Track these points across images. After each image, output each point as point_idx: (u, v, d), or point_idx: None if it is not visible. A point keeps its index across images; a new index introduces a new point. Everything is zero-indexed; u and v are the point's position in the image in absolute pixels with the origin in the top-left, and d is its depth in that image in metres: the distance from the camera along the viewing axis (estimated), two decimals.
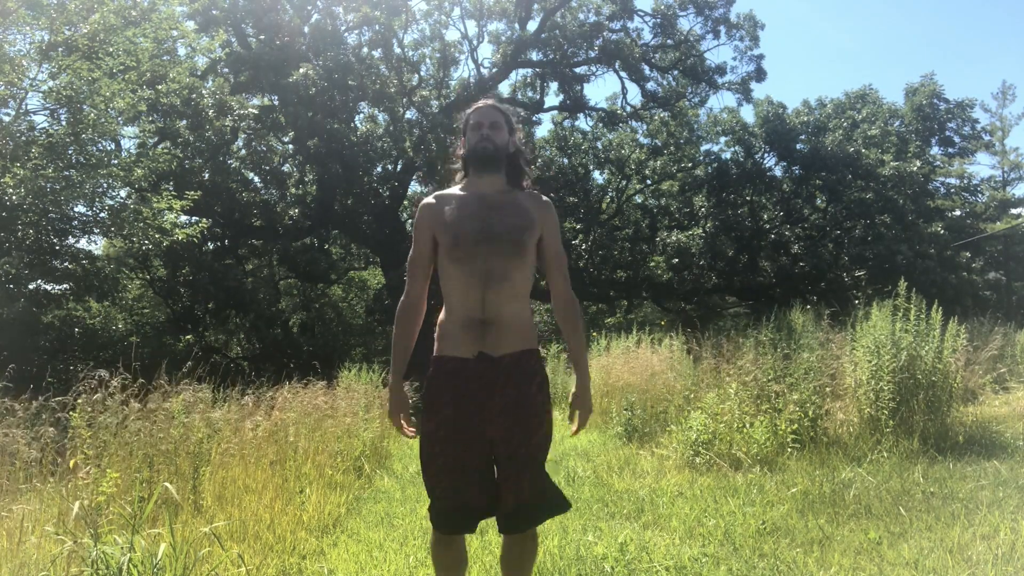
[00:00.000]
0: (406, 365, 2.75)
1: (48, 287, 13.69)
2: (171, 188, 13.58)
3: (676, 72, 23.31)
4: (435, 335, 2.69)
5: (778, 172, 24.39)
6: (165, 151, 13.63)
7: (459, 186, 2.79)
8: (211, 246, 21.96)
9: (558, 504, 2.67)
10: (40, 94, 11.38)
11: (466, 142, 2.77)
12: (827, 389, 6.52)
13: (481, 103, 2.83)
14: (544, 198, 2.77)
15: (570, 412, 2.78)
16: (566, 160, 24.60)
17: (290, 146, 20.44)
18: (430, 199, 2.76)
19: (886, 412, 5.85)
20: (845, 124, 23.72)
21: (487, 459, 2.57)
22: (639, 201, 26.93)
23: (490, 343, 2.57)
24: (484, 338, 2.57)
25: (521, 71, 22.82)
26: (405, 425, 2.73)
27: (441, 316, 2.69)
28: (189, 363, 5.58)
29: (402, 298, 2.75)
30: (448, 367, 2.60)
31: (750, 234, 22.97)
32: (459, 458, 2.54)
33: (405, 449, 9.02)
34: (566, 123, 24.91)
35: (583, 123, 25.39)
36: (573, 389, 2.77)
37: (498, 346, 2.57)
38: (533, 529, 2.69)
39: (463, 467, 2.54)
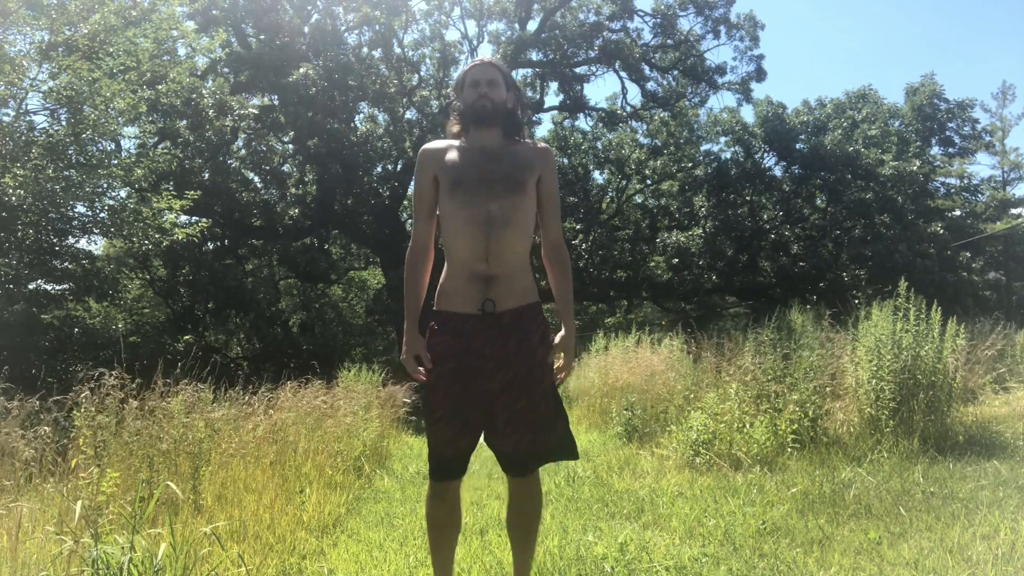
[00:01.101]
0: (419, 311, 2.77)
1: (48, 287, 13.69)
2: (171, 188, 13.58)
3: (676, 72, 23.32)
4: (437, 289, 2.72)
5: (778, 172, 24.42)
6: (165, 151, 13.64)
7: (456, 141, 2.79)
8: (211, 246, 21.99)
9: (568, 451, 2.72)
10: (40, 94, 11.39)
11: (464, 99, 2.77)
12: (827, 389, 6.52)
13: (478, 60, 2.83)
14: (542, 144, 2.80)
15: (554, 356, 2.79)
16: (566, 160, 24.60)
17: (290, 146, 20.46)
18: (431, 144, 2.79)
19: (886, 412, 5.85)
20: (845, 124, 23.73)
21: (488, 409, 2.61)
22: (639, 201, 26.94)
23: (493, 298, 2.60)
24: (487, 294, 2.60)
25: (521, 71, 22.84)
26: (421, 369, 2.74)
27: (443, 274, 2.71)
28: (182, 362, 5.56)
29: (409, 244, 2.78)
30: (450, 323, 2.64)
31: (750, 234, 22.98)
32: (459, 410, 2.59)
33: (405, 449, 9.03)
34: (566, 123, 24.94)
35: (583, 123, 25.44)
36: (561, 333, 2.78)
37: (501, 302, 2.60)
38: (536, 479, 2.75)
39: (461, 418, 2.60)
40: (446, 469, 2.68)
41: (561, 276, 2.81)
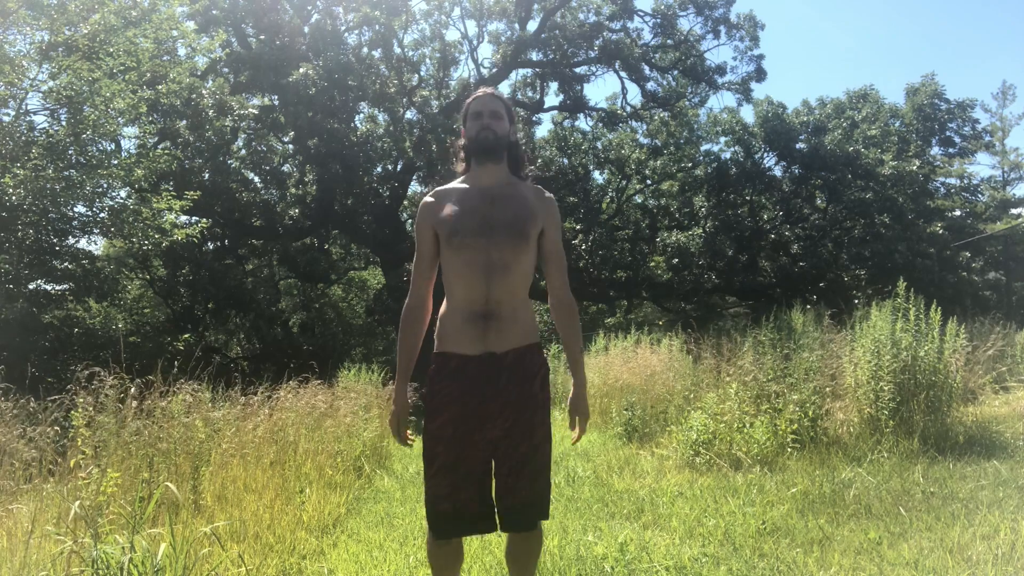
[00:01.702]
0: (411, 369, 2.72)
1: (48, 287, 13.70)
2: (171, 188, 13.58)
3: (676, 72, 23.31)
4: (435, 331, 2.66)
5: (778, 172, 24.39)
6: (165, 151, 13.63)
7: (460, 179, 2.75)
8: (211, 246, 21.99)
9: (544, 510, 2.64)
10: (40, 94, 11.38)
11: (466, 132, 2.73)
12: (827, 389, 6.52)
13: (480, 92, 2.78)
14: (547, 194, 2.75)
15: (570, 419, 2.77)
16: (566, 160, 24.59)
17: (290, 146, 20.45)
18: (430, 197, 2.73)
19: (886, 412, 5.85)
20: (845, 124, 23.72)
21: (488, 460, 2.55)
22: (639, 201, 26.92)
23: (492, 339, 2.54)
24: (487, 334, 2.54)
25: (521, 71, 22.85)
26: (404, 434, 2.71)
27: (442, 310, 2.66)
28: (180, 361, 5.55)
29: (406, 300, 2.72)
30: (451, 365, 2.57)
31: (750, 234, 22.96)
32: (461, 458, 2.52)
33: (405, 449, 9.02)
34: (566, 123, 24.91)
35: (583, 123, 25.42)
36: (570, 394, 2.75)
37: (501, 342, 2.55)
38: (538, 527, 2.67)
39: (463, 468, 2.52)
40: (448, 526, 2.57)
41: (571, 333, 2.74)
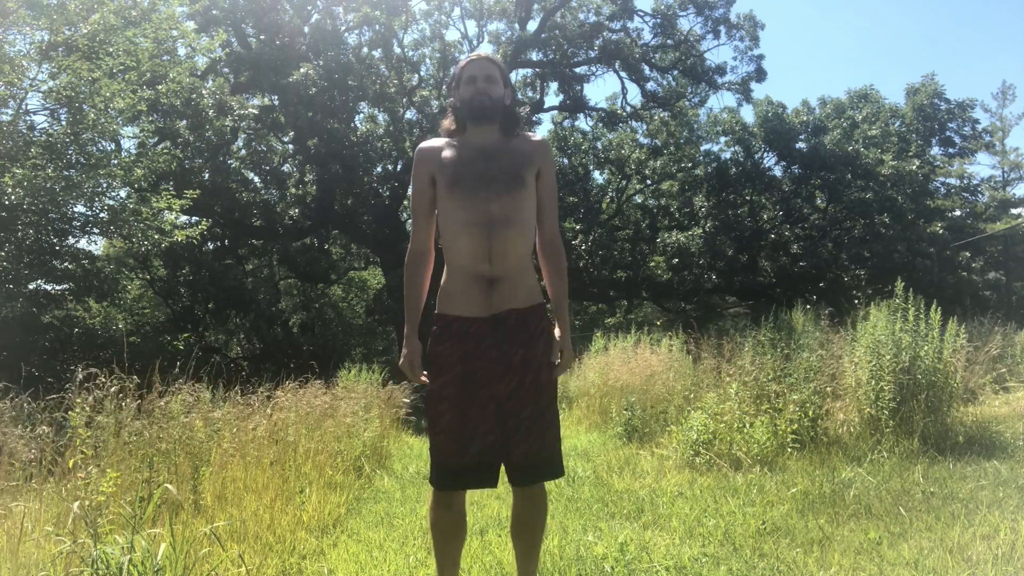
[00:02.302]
0: (419, 316, 2.71)
1: (48, 287, 13.70)
2: (171, 188, 13.59)
3: (676, 72, 23.31)
4: (439, 292, 2.65)
5: (778, 172, 24.42)
6: (165, 151, 13.63)
7: (453, 139, 2.72)
8: (211, 246, 22.00)
9: (557, 467, 2.66)
10: (40, 94, 11.39)
11: (460, 95, 2.69)
12: (827, 389, 6.52)
13: (474, 55, 2.74)
14: (539, 137, 2.74)
15: (552, 353, 2.72)
16: (566, 160, 24.60)
17: (290, 146, 20.46)
18: (427, 142, 2.72)
19: (886, 412, 5.85)
20: (845, 124, 23.74)
21: (494, 417, 2.54)
22: (639, 201, 26.94)
23: (496, 301, 2.54)
24: (490, 296, 2.54)
25: (521, 71, 22.84)
26: (419, 373, 2.68)
27: (444, 273, 2.65)
28: (180, 361, 5.55)
29: (409, 247, 2.71)
30: (454, 327, 2.57)
31: (750, 234, 22.97)
32: (465, 417, 2.52)
33: (405, 449, 9.02)
34: (566, 123, 24.93)
35: (583, 123, 25.43)
36: (556, 332, 2.72)
37: (504, 303, 2.55)
38: (542, 487, 2.68)
39: (469, 426, 2.52)
40: (455, 479, 2.58)
41: (556, 273, 2.74)
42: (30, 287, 12.96)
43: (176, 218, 13.01)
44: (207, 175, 17.77)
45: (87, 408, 4.10)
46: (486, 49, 23.19)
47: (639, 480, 5.72)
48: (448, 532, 2.69)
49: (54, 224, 11.82)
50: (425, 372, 2.68)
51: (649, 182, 25.93)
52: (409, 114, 20.46)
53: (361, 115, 21.29)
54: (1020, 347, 10.17)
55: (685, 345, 9.71)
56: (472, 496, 5.41)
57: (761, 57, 22.88)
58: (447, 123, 2.77)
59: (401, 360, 2.70)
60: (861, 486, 4.73)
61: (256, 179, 21.03)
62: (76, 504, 3.06)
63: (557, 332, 2.73)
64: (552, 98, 24.68)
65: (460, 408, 2.52)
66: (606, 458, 6.73)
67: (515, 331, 2.55)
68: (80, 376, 4.20)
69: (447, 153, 2.64)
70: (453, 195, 2.55)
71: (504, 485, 2.77)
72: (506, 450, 2.57)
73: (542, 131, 26.44)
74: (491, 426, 2.55)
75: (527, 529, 2.73)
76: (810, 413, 6.03)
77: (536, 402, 2.56)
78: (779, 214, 23.91)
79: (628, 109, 23.65)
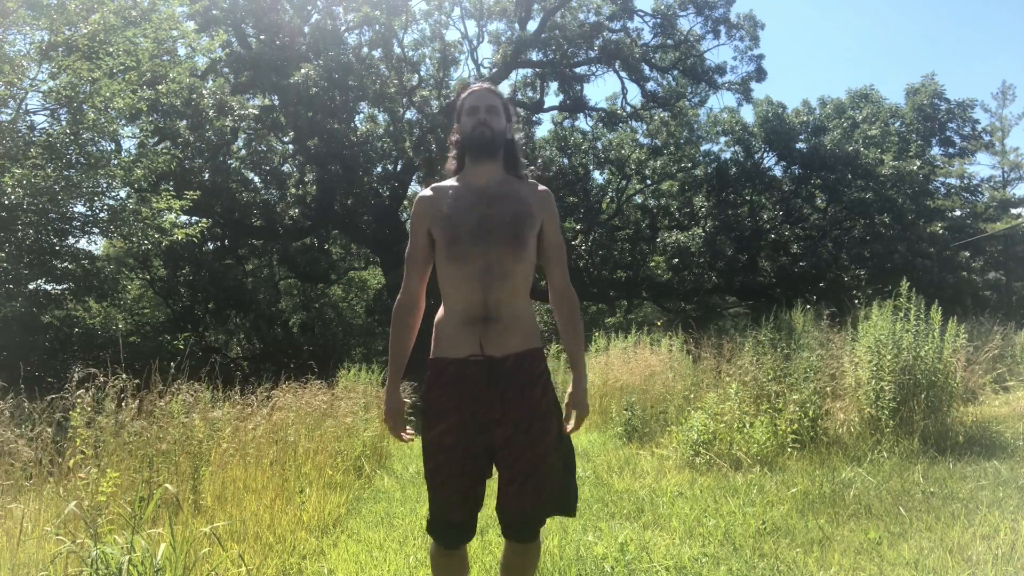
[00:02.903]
0: (404, 367, 2.64)
1: (48, 287, 13.69)
2: (171, 188, 13.59)
3: (676, 72, 23.31)
4: (433, 335, 2.56)
5: (778, 172, 24.41)
6: (165, 151, 13.63)
7: (454, 177, 2.63)
8: (211, 246, 22.00)
9: (565, 506, 2.57)
10: (40, 94, 11.38)
11: (460, 128, 2.59)
12: (827, 389, 6.52)
13: (476, 86, 2.65)
14: (543, 188, 2.62)
15: (566, 413, 2.64)
16: (566, 160, 24.59)
17: (290, 146, 20.46)
18: (425, 192, 2.61)
19: (886, 412, 5.85)
20: (845, 124, 23.73)
21: (488, 467, 2.46)
22: (639, 201, 26.93)
23: (491, 343, 2.43)
24: (485, 338, 2.43)
25: (521, 71, 22.85)
26: (401, 430, 2.62)
27: (439, 315, 2.56)
28: (178, 361, 5.53)
29: (399, 296, 2.61)
30: (449, 371, 2.46)
31: (750, 234, 22.97)
32: (464, 467, 2.42)
33: (405, 449, 9.02)
34: (566, 123, 24.92)
35: (583, 123, 25.42)
36: (569, 389, 2.65)
37: (500, 346, 2.44)
38: (537, 538, 2.58)
39: (468, 477, 2.43)
40: (453, 536, 2.50)
41: (571, 326, 2.62)
42: (30, 287, 12.95)
43: (176, 218, 13.01)
44: (207, 175, 17.77)
45: (87, 408, 4.10)
46: (486, 49, 23.16)
47: (639, 480, 5.72)
48: (451, 573, 2.61)
49: (54, 224, 11.82)
50: (409, 429, 2.62)
51: (649, 182, 25.92)
52: (409, 114, 20.47)
53: (361, 115, 21.32)
54: (1020, 347, 10.17)
55: (685, 345, 9.71)
56: None
57: (761, 57, 22.90)
58: (450, 164, 2.68)
59: (384, 416, 2.63)
60: (861, 486, 4.73)
61: (256, 179, 21.04)
62: (76, 504, 3.06)
63: (569, 390, 2.64)
64: (552, 98, 24.71)
65: (458, 460, 2.42)
66: (606, 458, 6.73)
67: (511, 375, 2.43)
68: (77, 376, 4.20)
69: (445, 205, 2.53)
70: (451, 252, 2.46)
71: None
72: (500, 505, 2.47)
73: (542, 131, 26.48)
74: (483, 477, 2.47)
75: (518, 571, 2.62)
76: (810, 413, 6.03)
77: (532, 451, 2.41)
78: (779, 214, 23.91)
79: (628, 109, 23.65)
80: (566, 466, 2.56)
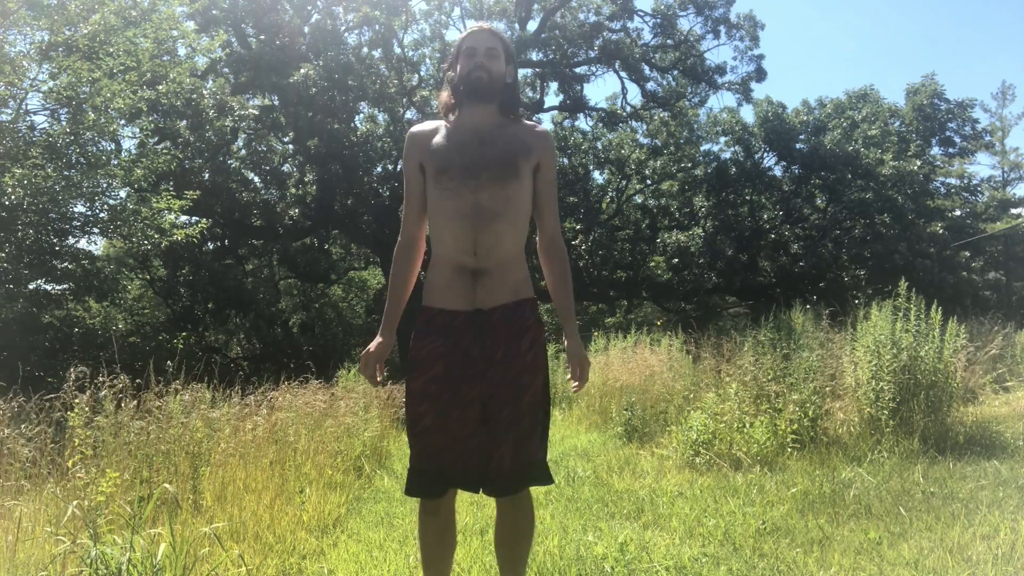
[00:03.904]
0: (402, 309, 2.57)
1: (48, 287, 13.70)
2: (171, 188, 13.59)
3: (676, 72, 23.32)
4: (423, 283, 2.51)
5: (778, 172, 24.43)
6: (165, 151, 13.63)
7: (449, 116, 2.54)
8: (211, 246, 22.01)
9: (540, 475, 2.46)
10: (40, 94, 11.39)
11: (459, 69, 2.48)
12: (827, 389, 6.51)
13: (476, 27, 2.53)
14: (541, 127, 2.54)
15: (571, 369, 2.56)
16: (566, 160, 24.60)
17: (290, 146, 20.46)
18: (417, 127, 2.53)
19: (886, 412, 5.85)
20: (845, 124, 23.73)
21: (476, 419, 2.37)
22: (639, 201, 26.94)
23: (481, 295, 2.38)
24: (475, 289, 2.38)
25: (521, 71, 22.81)
26: (377, 372, 2.54)
27: (431, 261, 2.51)
28: (176, 360, 5.52)
29: (399, 238, 2.56)
30: (437, 321, 2.41)
31: (750, 234, 22.98)
32: (447, 417, 2.35)
33: (405, 449, 9.01)
34: (566, 123, 24.92)
35: (583, 123, 25.42)
36: (565, 344, 2.58)
37: (490, 298, 2.39)
38: (527, 496, 2.49)
39: (450, 427, 2.35)
40: (428, 484, 2.41)
41: (560, 276, 2.55)
42: (30, 287, 12.96)
43: (176, 218, 13.01)
44: (207, 175, 17.77)
45: (86, 408, 4.10)
46: None
47: (639, 480, 5.72)
48: (433, 539, 2.50)
49: (54, 224, 11.82)
50: (382, 373, 2.57)
51: (649, 182, 25.93)
52: (409, 114, 20.47)
53: (361, 115, 21.32)
54: (1020, 347, 10.17)
55: (685, 345, 9.71)
56: (472, 496, 5.41)
57: (761, 57, 22.90)
58: (445, 96, 2.57)
59: (366, 350, 2.54)
60: (861, 486, 4.73)
61: (256, 179, 21.05)
62: (75, 504, 3.05)
63: (566, 344, 2.58)
64: (552, 98, 24.71)
65: (443, 408, 2.36)
66: (606, 458, 6.72)
67: (500, 326, 2.38)
68: (73, 376, 4.20)
69: (438, 139, 2.46)
70: (440, 184, 2.39)
71: None
72: (482, 459, 2.38)
73: None
74: (474, 429, 2.37)
75: (510, 539, 2.53)
76: (810, 413, 6.03)
77: (516, 403, 2.36)
78: (779, 214, 23.91)
79: (628, 109, 23.66)
80: (542, 429, 2.47)
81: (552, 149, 2.52)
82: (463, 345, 2.38)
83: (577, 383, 2.59)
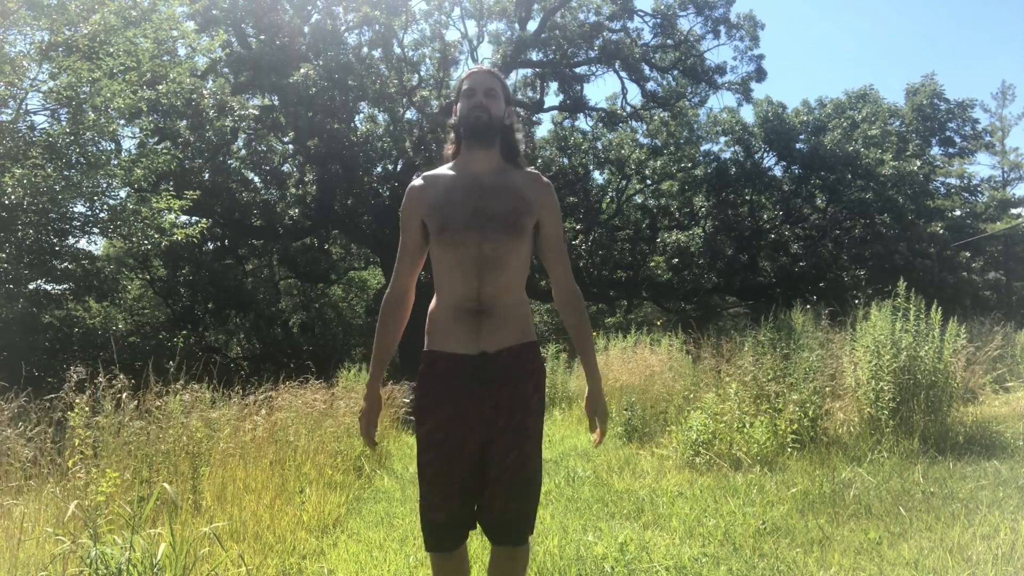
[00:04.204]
0: (386, 364, 2.55)
1: (48, 287, 13.71)
2: (171, 188, 13.59)
3: (676, 72, 23.31)
4: (425, 327, 2.47)
5: (778, 172, 24.42)
6: (165, 151, 13.64)
7: (449, 164, 2.52)
8: (211, 246, 22.00)
9: (531, 524, 2.44)
10: (40, 94, 11.39)
11: (458, 111, 2.47)
12: (827, 389, 6.51)
13: (475, 68, 2.54)
14: (544, 179, 2.50)
15: (589, 421, 2.56)
16: (566, 160, 24.59)
17: (290, 146, 20.46)
18: (418, 180, 2.50)
19: (886, 412, 5.85)
20: (845, 124, 23.73)
21: (476, 465, 2.36)
22: (639, 201, 26.93)
23: (486, 337, 2.35)
24: (479, 332, 2.35)
25: (521, 71, 22.83)
26: (372, 432, 2.55)
27: (432, 305, 2.47)
28: (176, 360, 5.51)
29: (387, 291, 2.52)
30: (441, 365, 2.38)
31: (750, 234, 22.98)
32: (453, 464, 2.33)
33: (405, 449, 9.02)
34: (566, 123, 24.91)
35: (583, 123, 25.41)
36: (585, 392, 2.56)
37: (494, 341, 2.35)
38: (526, 542, 2.46)
39: (456, 474, 2.34)
40: (441, 537, 2.38)
41: (577, 327, 2.51)
42: (30, 287, 12.96)
43: (176, 218, 13.01)
44: (207, 175, 17.78)
45: (86, 408, 4.10)
46: (486, 50, 23.17)
47: (639, 480, 5.72)
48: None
49: (54, 224, 11.82)
50: (374, 434, 2.56)
51: (649, 182, 25.92)
52: (409, 114, 20.47)
53: (361, 115, 21.31)
54: (1020, 347, 10.17)
55: (685, 345, 9.70)
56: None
57: (761, 57, 22.89)
58: (448, 149, 2.57)
59: (359, 413, 2.55)
60: (861, 486, 4.73)
61: (256, 179, 21.04)
62: (75, 504, 3.06)
63: (586, 394, 2.56)
64: (552, 98, 24.70)
65: (446, 456, 2.34)
66: (606, 458, 6.72)
67: (504, 370, 2.35)
68: (74, 378, 4.20)
69: (437, 193, 2.43)
70: (443, 239, 2.36)
71: None
72: (485, 506, 2.36)
73: (542, 131, 26.46)
74: (477, 474, 2.36)
75: None
76: (810, 413, 6.03)
77: (521, 448, 2.33)
78: (779, 214, 23.91)
79: (628, 109, 23.65)
80: (539, 478, 2.46)
81: (555, 204, 2.49)
82: (467, 389, 2.35)
83: (597, 436, 2.56)
